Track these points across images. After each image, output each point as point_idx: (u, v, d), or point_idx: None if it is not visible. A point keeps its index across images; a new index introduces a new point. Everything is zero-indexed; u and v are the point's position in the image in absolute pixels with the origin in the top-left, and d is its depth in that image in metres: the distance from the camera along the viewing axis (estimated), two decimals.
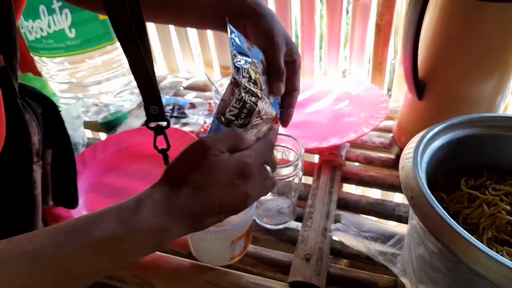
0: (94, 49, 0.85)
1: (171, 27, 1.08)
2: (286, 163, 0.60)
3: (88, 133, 0.96)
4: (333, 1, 0.88)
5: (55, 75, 0.89)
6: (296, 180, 0.58)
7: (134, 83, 0.47)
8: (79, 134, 0.83)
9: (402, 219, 0.63)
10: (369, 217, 0.64)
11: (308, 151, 0.75)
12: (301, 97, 0.61)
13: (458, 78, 0.60)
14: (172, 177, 0.35)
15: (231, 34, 0.39)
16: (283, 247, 0.60)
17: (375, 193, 0.86)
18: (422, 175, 0.41)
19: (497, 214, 0.43)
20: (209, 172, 0.35)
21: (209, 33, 1.06)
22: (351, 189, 0.84)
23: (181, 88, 1.07)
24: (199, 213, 0.35)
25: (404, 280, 0.49)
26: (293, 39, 0.88)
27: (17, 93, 0.41)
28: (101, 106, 0.94)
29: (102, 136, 0.97)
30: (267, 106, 0.42)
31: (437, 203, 0.37)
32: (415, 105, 0.67)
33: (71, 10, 0.78)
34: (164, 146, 0.51)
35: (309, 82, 0.98)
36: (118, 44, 0.56)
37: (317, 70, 1.01)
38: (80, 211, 0.63)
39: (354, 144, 0.81)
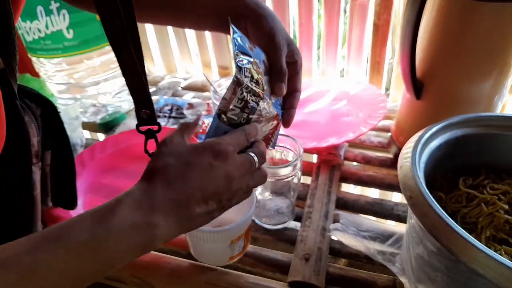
0: (92, 50, 0.85)
1: (169, 27, 1.08)
2: (285, 163, 0.60)
3: (86, 134, 0.96)
4: (330, 1, 0.88)
5: (53, 76, 0.89)
6: (295, 180, 0.58)
7: None
8: (78, 135, 0.83)
9: (401, 219, 0.63)
10: (368, 216, 0.64)
11: (307, 151, 0.75)
12: None
13: (456, 77, 0.60)
14: (148, 174, 0.36)
15: (233, 34, 0.39)
16: (282, 247, 0.60)
17: (373, 193, 0.86)
18: (421, 175, 0.41)
19: (495, 213, 0.43)
20: (180, 157, 0.35)
21: (207, 33, 1.06)
22: (349, 189, 0.84)
23: (179, 88, 1.07)
24: (182, 200, 0.34)
25: (403, 279, 0.50)
26: None
27: (16, 95, 0.41)
28: (99, 107, 0.94)
29: (101, 136, 0.97)
30: (268, 106, 0.42)
31: (435, 202, 0.37)
32: (413, 105, 0.68)
33: (68, 11, 0.78)
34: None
35: (307, 82, 0.98)
36: None
37: (315, 70, 1.02)
38: (79, 212, 0.63)
39: (352, 143, 0.82)
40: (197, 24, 0.53)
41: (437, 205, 0.36)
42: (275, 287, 0.52)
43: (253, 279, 0.53)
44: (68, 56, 0.84)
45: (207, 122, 0.87)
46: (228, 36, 0.91)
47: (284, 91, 0.44)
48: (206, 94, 1.02)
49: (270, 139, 0.47)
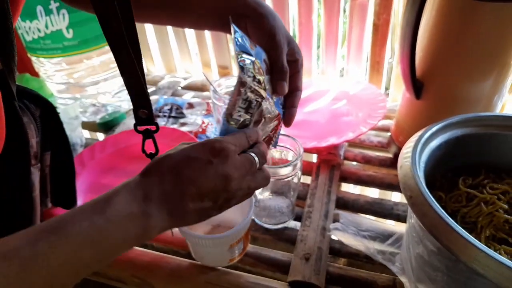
0: (92, 50, 0.85)
1: (169, 27, 1.08)
2: (285, 163, 0.60)
3: (86, 134, 0.96)
4: (330, 0, 0.88)
5: (53, 75, 0.89)
6: (295, 180, 0.58)
7: None
8: (77, 135, 0.83)
9: (401, 218, 0.63)
10: (368, 216, 0.64)
11: (307, 150, 0.75)
12: None
13: (456, 77, 0.60)
14: (146, 167, 0.37)
15: (234, 33, 0.39)
16: (282, 247, 0.60)
17: (373, 192, 0.86)
18: (421, 174, 0.41)
19: (495, 213, 0.43)
20: (180, 152, 0.36)
21: (207, 33, 1.06)
22: (349, 189, 0.84)
23: (179, 88, 1.07)
24: (175, 193, 0.35)
25: (403, 279, 0.50)
26: None
27: (15, 96, 0.41)
28: (99, 107, 0.94)
29: (100, 136, 0.97)
30: (270, 106, 0.42)
31: (435, 202, 0.37)
32: (413, 105, 0.68)
33: (68, 11, 0.78)
34: (153, 151, 0.49)
35: (307, 82, 0.98)
36: None
37: (315, 69, 1.02)
38: None
39: (352, 143, 0.82)
40: (197, 24, 0.53)
41: (437, 204, 0.36)
42: (275, 287, 0.52)
43: (253, 279, 0.53)
44: (68, 56, 0.84)
45: (207, 122, 0.87)
46: (228, 35, 0.91)
47: (286, 89, 0.44)
48: (205, 93, 1.02)
49: (271, 139, 0.47)
